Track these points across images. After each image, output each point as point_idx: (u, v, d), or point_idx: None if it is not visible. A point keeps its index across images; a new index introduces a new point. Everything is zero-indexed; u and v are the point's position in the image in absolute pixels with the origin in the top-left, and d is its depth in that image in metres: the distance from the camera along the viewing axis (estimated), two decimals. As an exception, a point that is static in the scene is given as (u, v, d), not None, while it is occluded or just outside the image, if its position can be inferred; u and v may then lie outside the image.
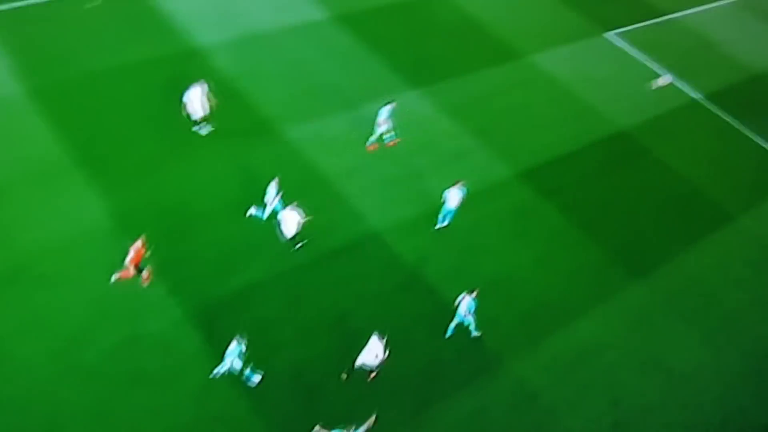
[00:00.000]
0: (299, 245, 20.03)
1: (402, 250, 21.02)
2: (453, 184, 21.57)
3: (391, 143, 24.35)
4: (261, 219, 20.57)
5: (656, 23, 36.79)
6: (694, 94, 31.67)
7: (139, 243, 17.74)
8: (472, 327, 18.93)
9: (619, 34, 34.60)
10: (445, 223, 21.80)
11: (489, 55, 30.41)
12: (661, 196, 25.74)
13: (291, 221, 19.33)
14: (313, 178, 22.45)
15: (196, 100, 22.32)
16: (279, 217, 19.91)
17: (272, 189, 20.22)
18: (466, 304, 18.28)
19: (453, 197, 21.13)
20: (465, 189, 21.48)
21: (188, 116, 22.86)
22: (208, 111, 22.82)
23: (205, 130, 23.11)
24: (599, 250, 22.90)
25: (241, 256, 19.70)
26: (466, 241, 21.78)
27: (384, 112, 23.40)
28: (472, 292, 18.40)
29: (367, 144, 24.12)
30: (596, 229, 23.64)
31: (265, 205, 20.64)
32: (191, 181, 21.49)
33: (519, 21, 33.34)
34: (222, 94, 24.58)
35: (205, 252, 19.51)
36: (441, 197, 22.48)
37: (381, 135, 23.97)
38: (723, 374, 20.13)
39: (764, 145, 29.64)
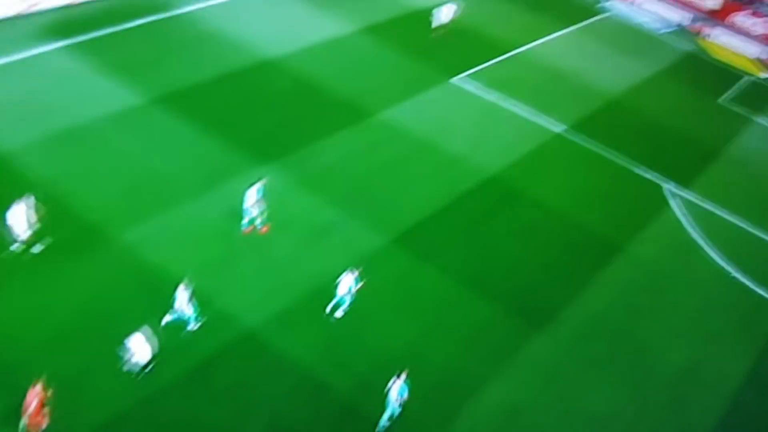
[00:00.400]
0: (148, 369, 20.02)
1: (286, 345, 21.72)
2: (344, 269, 22.77)
3: (264, 228, 25.40)
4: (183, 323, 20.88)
5: (503, 60, 41.13)
6: (557, 128, 35.53)
7: (35, 390, 17.39)
8: (386, 416, 19.80)
9: (468, 77, 38.27)
10: (339, 312, 22.88)
11: (337, 119, 32.53)
12: (545, 237, 28.51)
13: (140, 346, 19.38)
14: (165, 283, 22.71)
15: (21, 218, 22.14)
16: (127, 356, 19.81)
17: (181, 293, 20.58)
18: (397, 389, 19.32)
19: (344, 284, 22.37)
20: (358, 278, 22.63)
21: (13, 237, 22.53)
22: (34, 228, 22.61)
23: (33, 250, 22.84)
24: (494, 306, 24.88)
25: (93, 387, 19.46)
26: (353, 323, 22.87)
27: (253, 194, 24.55)
28: (399, 375, 19.45)
29: (242, 229, 25.13)
30: (486, 284, 25.70)
31: (175, 313, 20.94)
32: (20, 311, 21.07)
33: (361, 79, 36.00)
34: (43, 203, 24.38)
35: (51, 390, 19.08)
36: (316, 279, 23.72)
37: (254, 218, 25.00)
38: (647, 409, 22.43)
39: (634, 169, 33.71)
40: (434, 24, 41.20)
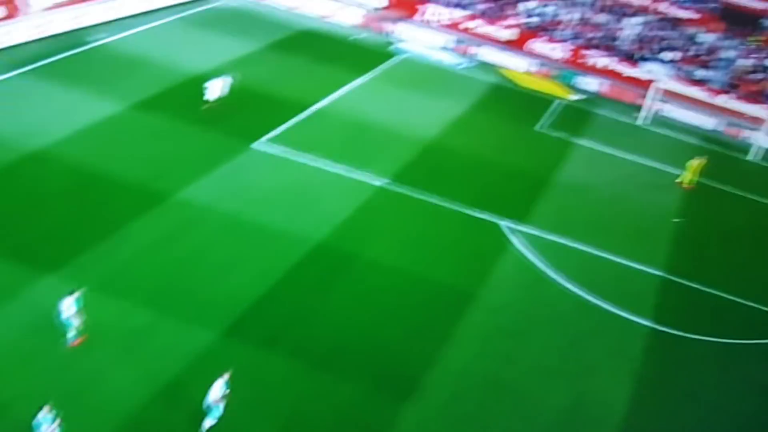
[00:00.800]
0: None
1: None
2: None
3: (77, 341, 24.68)
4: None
5: (304, 119, 42.69)
6: (378, 182, 37.21)
7: None
8: None
9: (270, 141, 39.25)
10: (213, 422, 22.54)
11: (130, 208, 32.07)
12: (392, 298, 29.72)
13: None
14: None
15: None
16: None
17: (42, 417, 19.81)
18: None
19: (214, 392, 22.16)
20: (227, 383, 22.43)
21: None
22: None
23: None
24: (354, 384, 25.44)
25: None
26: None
27: (68, 305, 24.05)
28: None
29: (68, 344, 24.38)
30: (340, 361, 26.25)
31: None
32: None
33: (148, 159, 35.82)
34: None
35: None
36: (143, 392, 23.21)
37: (76, 328, 24.47)
38: (538, 460, 23.76)
39: (468, 212, 36.05)
40: (208, 97, 41.60)
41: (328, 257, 31.41)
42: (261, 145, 38.88)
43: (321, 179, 36.88)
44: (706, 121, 53.49)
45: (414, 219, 35.08)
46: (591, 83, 55.65)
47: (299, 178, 36.73)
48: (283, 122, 41.73)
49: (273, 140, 39.58)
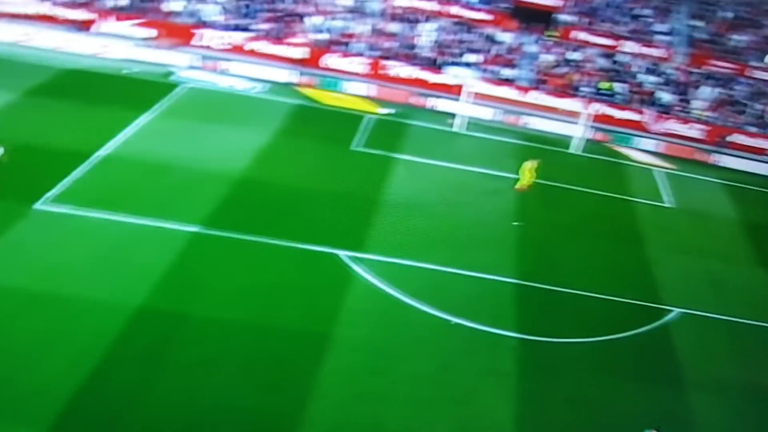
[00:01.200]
0: None
1: None
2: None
3: None
4: None
5: (88, 170, 40.54)
6: (190, 228, 36.03)
7: None
8: None
9: (54, 201, 37.05)
10: None
11: None
12: (239, 357, 28.96)
13: None
14: None
15: None
16: None
17: None
18: None
19: None
20: None
21: None
22: None
23: None
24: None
25: None
26: None
27: None
28: None
29: None
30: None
31: None
32: None
33: None
34: None
35: None
36: None
37: None
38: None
39: (300, 247, 35.78)
40: None
41: (153, 323, 30.02)
42: (43, 206, 36.60)
43: (123, 235, 35.16)
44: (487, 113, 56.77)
45: (243, 263, 34.30)
46: (358, 88, 57.59)
47: (97, 237, 34.85)
48: (64, 177, 39.48)
49: (56, 199, 37.38)
